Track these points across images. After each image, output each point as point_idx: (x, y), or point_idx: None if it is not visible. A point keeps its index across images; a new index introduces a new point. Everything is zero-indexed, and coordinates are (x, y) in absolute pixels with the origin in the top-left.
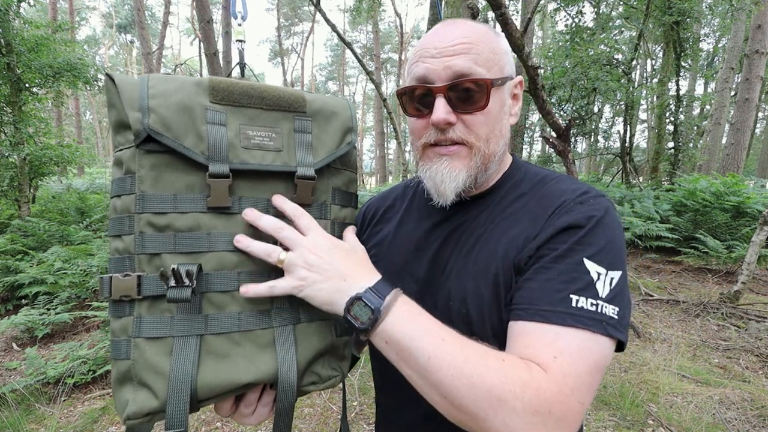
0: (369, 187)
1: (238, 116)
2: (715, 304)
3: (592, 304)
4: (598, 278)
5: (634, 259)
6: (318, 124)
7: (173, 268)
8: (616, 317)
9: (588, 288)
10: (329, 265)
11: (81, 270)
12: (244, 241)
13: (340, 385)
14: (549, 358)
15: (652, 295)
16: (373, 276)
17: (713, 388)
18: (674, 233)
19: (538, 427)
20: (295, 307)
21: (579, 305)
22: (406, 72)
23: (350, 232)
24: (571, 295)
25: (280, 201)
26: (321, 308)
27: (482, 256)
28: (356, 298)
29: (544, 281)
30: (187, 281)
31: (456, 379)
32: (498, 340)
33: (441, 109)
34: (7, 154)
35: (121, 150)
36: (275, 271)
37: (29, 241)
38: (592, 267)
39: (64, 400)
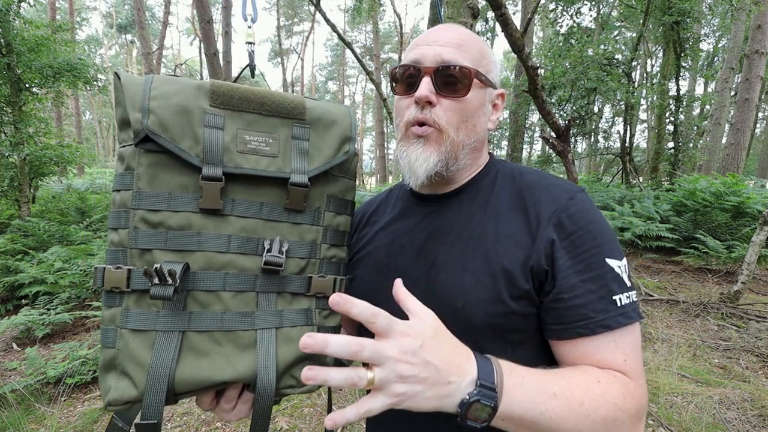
0: (369, 187)
1: (237, 120)
2: (715, 304)
3: (627, 297)
4: (620, 270)
5: (635, 259)
6: (316, 131)
7: (156, 267)
8: (636, 300)
9: (621, 284)
10: (426, 371)
11: (81, 270)
12: (321, 374)
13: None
14: (620, 362)
15: (652, 295)
16: (469, 356)
17: (713, 388)
18: (674, 233)
19: (638, 423)
20: (280, 311)
21: (622, 303)
22: (401, 60)
23: (415, 302)
24: (614, 297)
25: (345, 303)
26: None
27: (479, 252)
28: (472, 402)
29: (585, 293)
30: (169, 280)
31: (579, 425)
32: (493, 330)
33: (424, 86)
34: (7, 154)
35: (124, 147)
36: (264, 274)
37: (29, 241)
38: (614, 263)
39: (65, 400)
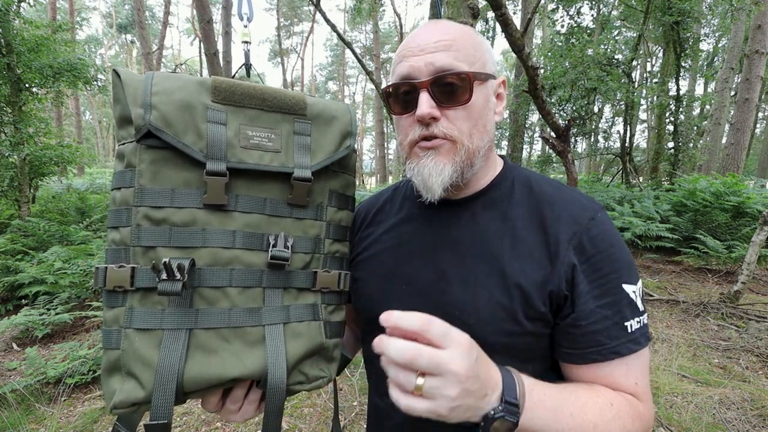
0: (369, 187)
1: (239, 116)
2: (715, 304)
3: (638, 322)
4: (635, 296)
5: (635, 259)
6: (317, 127)
7: (165, 262)
8: (647, 322)
9: (634, 310)
10: (475, 384)
11: (81, 270)
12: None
13: (340, 385)
14: (631, 385)
15: (652, 295)
16: (497, 369)
17: (713, 388)
18: (674, 233)
19: None
20: (286, 306)
21: (632, 329)
22: (390, 74)
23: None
24: (626, 323)
25: (395, 318)
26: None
27: (494, 267)
28: (497, 417)
29: (602, 319)
30: (178, 275)
31: None
32: (505, 348)
33: (425, 103)
34: (7, 154)
35: (124, 144)
36: (270, 269)
37: (29, 241)
38: (629, 288)
39: (64, 400)
